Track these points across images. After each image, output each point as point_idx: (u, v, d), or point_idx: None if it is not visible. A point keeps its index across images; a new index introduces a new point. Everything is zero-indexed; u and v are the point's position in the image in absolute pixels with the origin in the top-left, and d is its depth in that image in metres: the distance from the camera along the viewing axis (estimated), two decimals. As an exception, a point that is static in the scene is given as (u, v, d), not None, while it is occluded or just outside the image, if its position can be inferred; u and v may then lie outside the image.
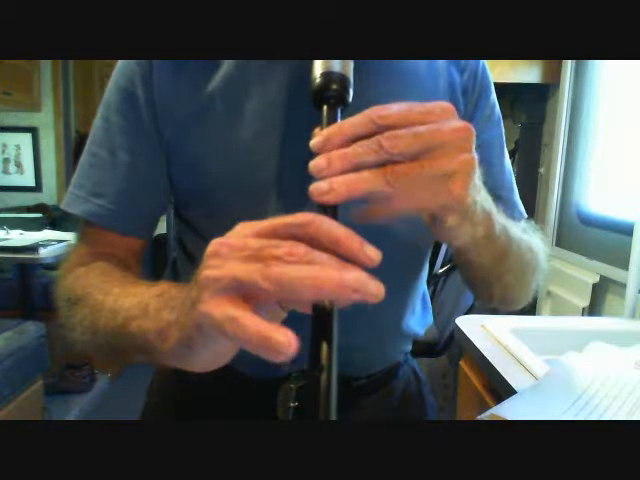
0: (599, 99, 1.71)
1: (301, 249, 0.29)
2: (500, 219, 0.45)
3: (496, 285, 0.56)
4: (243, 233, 0.32)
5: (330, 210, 0.34)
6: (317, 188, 0.33)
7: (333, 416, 0.29)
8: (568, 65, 1.83)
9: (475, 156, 0.36)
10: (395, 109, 0.35)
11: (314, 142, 0.35)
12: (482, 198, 0.40)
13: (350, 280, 0.28)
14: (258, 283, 0.29)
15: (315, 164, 0.34)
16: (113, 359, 0.49)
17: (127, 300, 0.44)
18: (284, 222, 0.31)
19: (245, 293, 0.30)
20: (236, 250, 0.31)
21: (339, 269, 0.29)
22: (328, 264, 0.29)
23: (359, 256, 0.30)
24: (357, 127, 0.35)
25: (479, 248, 0.45)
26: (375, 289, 0.29)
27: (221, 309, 0.30)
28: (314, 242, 0.30)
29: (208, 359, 0.36)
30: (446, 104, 0.36)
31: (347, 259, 0.30)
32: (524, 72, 1.92)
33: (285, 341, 0.28)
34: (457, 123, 0.35)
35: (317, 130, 0.37)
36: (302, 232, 0.31)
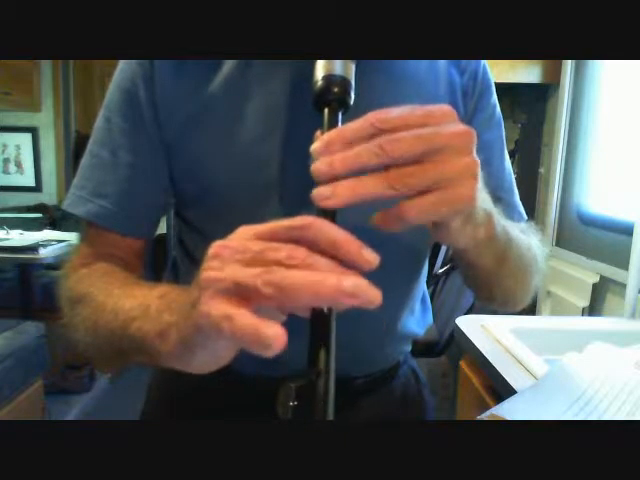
0: (599, 99, 1.71)
1: (301, 252, 0.30)
2: (500, 220, 0.46)
3: (497, 286, 0.56)
4: (244, 236, 0.32)
5: (329, 213, 0.34)
6: (320, 194, 0.34)
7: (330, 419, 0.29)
8: (568, 65, 1.83)
9: (477, 159, 0.36)
10: (395, 113, 0.35)
11: (314, 147, 0.35)
12: (483, 199, 0.40)
13: (348, 286, 0.28)
14: (258, 287, 0.29)
15: (317, 168, 0.34)
16: (113, 360, 0.49)
17: (128, 301, 0.44)
18: (284, 225, 0.31)
19: (245, 296, 0.30)
20: (237, 253, 0.31)
21: (338, 275, 0.29)
22: (328, 268, 0.30)
23: (357, 259, 0.30)
24: (357, 131, 0.35)
25: (480, 249, 0.45)
26: (373, 295, 0.29)
27: (219, 308, 0.30)
28: (314, 245, 0.31)
29: (208, 360, 0.36)
30: (447, 107, 0.36)
31: (346, 263, 0.30)
32: (524, 72, 1.92)
33: (273, 334, 0.28)
34: (458, 126, 0.35)
35: (318, 134, 0.38)
36: (301, 235, 0.31)
